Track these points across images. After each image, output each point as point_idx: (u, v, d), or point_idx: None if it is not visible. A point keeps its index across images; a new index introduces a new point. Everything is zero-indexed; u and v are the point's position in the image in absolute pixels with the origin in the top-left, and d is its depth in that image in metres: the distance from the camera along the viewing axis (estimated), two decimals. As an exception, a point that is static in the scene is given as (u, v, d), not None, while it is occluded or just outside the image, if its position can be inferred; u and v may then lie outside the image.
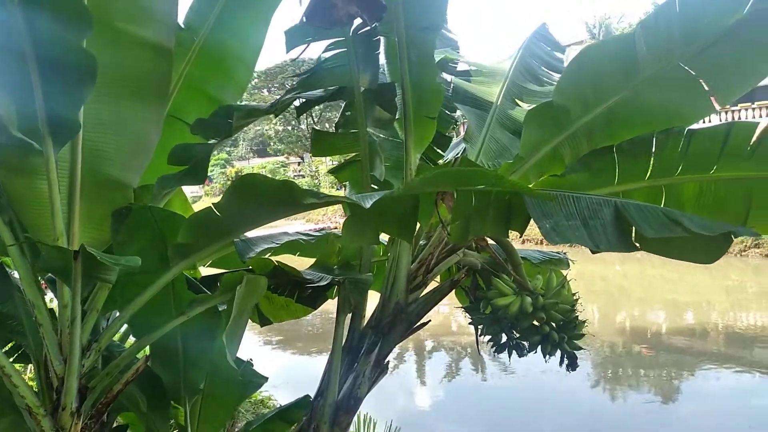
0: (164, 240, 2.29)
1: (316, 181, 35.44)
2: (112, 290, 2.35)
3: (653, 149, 2.58)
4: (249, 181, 1.93)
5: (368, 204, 1.74)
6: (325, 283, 2.43)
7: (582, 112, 2.54)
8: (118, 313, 2.53)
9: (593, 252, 2.03)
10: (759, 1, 2.35)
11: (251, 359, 3.24)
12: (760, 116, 23.26)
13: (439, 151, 3.25)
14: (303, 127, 41.88)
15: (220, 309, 2.61)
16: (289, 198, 1.89)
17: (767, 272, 16.02)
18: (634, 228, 1.99)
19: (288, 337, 11.75)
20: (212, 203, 2.03)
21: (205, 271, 3.19)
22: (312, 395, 2.81)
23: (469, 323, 2.84)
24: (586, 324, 2.77)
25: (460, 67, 3.52)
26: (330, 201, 1.94)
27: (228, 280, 2.30)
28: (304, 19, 1.94)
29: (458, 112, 3.31)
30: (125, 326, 2.82)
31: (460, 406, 8.46)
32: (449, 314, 11.83)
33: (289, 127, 44.07)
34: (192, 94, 2.98)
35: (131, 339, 2.98)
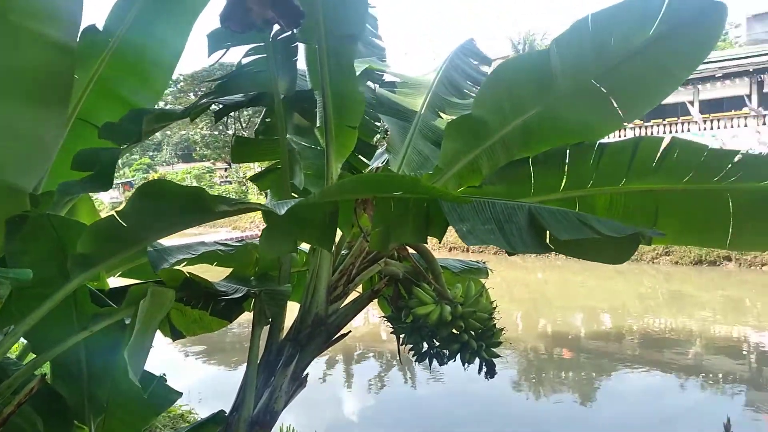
0: (64, 250, 2.14)
1: (244, 187, 34.64)
2: (6, 304, 2.18)
3: (567, 162, 2.67)
4: (155, 188, 1.83)
5: (282, 211, 1.70)
6: (240, 295, 2.34)
7: (499, 124, 2.59)
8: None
9: (509, 254, 2.08)
10: (663, 22, 2.49)
11: (164, 374, 3.10)
12: (670, 132, 24.84)
13: (364, 160, 3.24)
14: (230, 132, 40.97)
15: (127, 322, 2.47)
16: (199, 205, 1.81)
17: (677, 279, 17.05)
18: (547, 231, 2.05)
19: (214, 348, 11.42)
20: (115, 211, 1.92)
21: (118, 281, 3.03)
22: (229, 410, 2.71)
23: (391, 332, 2.84)
24: (504, 332, 2.82)
25: (386, 77, 3.53)
26: (242, 208, 1.88)
27: (134, 292, 2.17)
28: (219, 22, 1.87)
29: (385, 122, 3.31)
30: (25, 342, 2.64)
31: (389, 415, 8.46)
32: (379, 323, 11.85)
33: (216, 132, 43.01)
34: (104, 98, 2.86)
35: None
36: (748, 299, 14.92)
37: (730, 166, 2.50)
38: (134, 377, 1.95)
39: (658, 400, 8.61)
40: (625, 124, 2.69)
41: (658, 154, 2.58)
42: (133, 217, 1.90)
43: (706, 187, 2.56)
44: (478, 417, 8.09)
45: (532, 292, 16.99)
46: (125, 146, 2.41)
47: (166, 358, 10.13)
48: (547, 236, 2.07)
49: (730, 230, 2.53)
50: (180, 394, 2.99)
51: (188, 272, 2.37)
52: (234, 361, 10.69)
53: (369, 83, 3.28)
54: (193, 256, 2.84)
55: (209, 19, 2.96)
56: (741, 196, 2.52)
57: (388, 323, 2.85)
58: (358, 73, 2.95)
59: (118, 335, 2.44)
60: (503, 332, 2.81)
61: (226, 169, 42.65)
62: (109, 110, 2.81)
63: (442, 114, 3.17)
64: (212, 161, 44.62)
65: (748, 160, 2.51)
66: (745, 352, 10.93)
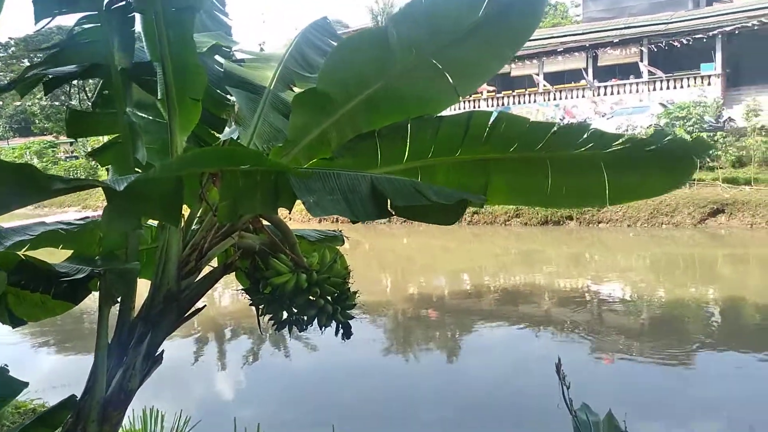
0: None
1: (93, 162, 31.99)
2: None
3: (409, 135, 2.85)
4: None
5: (121, 187, 1.68)
6: (83, 275, 2.27)
7: (344, 99, 2.69)
8: None
9: (353, 222, 2.23)
10: (490, 5, 2.72)
11: (6, 365, 2.91)
12: (519, 102, 26.79)
13: (215, 133, 3.20)
14: (74, 103, 37.28)
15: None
16: (30, 184, 1.72)
17: (526, 238, 18.65)
18: (388, 199, 2.22)
19: (68, 336, 10.68)
20: (-71, 192, 1.76)
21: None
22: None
23: (250, 305, 2.89)
24: (358, 297, 3.00)
25: (236, 53, 3.48)
26: (80, 186, 1.82)
27: (-40, 278, 2.03)
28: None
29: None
30: None
31: (261, 388, 8.50)
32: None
33: (57, 103, 38.83)
34: None
35: None
36: (587, 254, 16.75)
37: (548, 136, 2.82)
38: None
39: (514, 350, 9.49)
40: (460, 98, 2.92)
41: (488, 127, 2.84)
42: (-48, 198, 1.77)
43: (528, 155, 2.88)
44: (351, 380, 8.39)
45: (398, 257, 17.71)
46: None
47: (12, 352, 9.33)
48: (388, 204, 2.25)
49: (548, 191, 2.88)
50: (26, 384, 2.82)
51: (24, 254, 2.25)
52: (91, 346, 10.10)
53: (218, 57, 3.22)
54: (32, 237, 2.67)
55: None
56: (557, 162, 2.87)
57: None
58: (205, 49, 2.90)
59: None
60: (358, 295, 2.98)
61: (71, 144, 38.85)
62: None
63: (293, 87, 3.21)
64: (54, 135, 40.22)
65: (563, 131, 2.85)
66: (588, 300, 12.32)
